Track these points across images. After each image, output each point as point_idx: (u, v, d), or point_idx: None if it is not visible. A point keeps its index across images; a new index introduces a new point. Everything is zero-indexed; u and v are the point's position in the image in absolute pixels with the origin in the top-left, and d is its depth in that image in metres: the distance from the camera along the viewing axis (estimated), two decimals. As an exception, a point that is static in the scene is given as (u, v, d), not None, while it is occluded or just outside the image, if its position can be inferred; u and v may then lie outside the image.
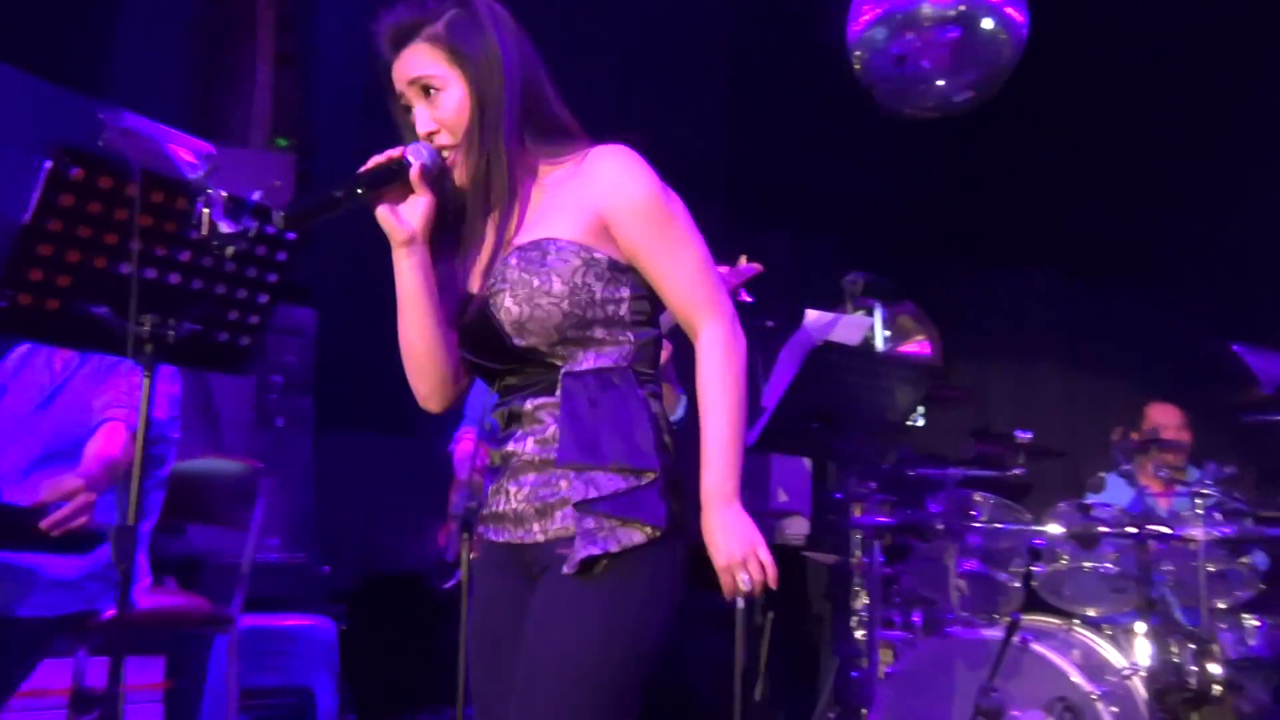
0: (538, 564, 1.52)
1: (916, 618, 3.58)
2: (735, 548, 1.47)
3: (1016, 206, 4.83)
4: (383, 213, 1.55)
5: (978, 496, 3.53)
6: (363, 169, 1.55)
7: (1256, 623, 3.34)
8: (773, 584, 1.48)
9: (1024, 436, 3.51)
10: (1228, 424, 4.01)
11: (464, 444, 3.21)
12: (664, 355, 1.97)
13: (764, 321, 3.34)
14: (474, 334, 1.56)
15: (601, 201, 1.52)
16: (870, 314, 3.57)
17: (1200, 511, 3.08)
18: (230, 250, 2.00)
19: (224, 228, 1.99)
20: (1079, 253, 4.83)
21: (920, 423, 3.74)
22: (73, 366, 2.50)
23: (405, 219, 1.55)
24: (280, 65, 4.92)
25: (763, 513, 4.27)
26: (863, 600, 3.68)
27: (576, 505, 1.46)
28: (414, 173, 1.53)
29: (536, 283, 1.49)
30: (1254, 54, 4.61)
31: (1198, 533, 2.96)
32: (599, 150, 1.56)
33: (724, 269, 2.82)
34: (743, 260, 2.79)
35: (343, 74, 4.67)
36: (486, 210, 1.58)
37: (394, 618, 3.96)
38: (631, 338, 1.55)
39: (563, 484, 1.49)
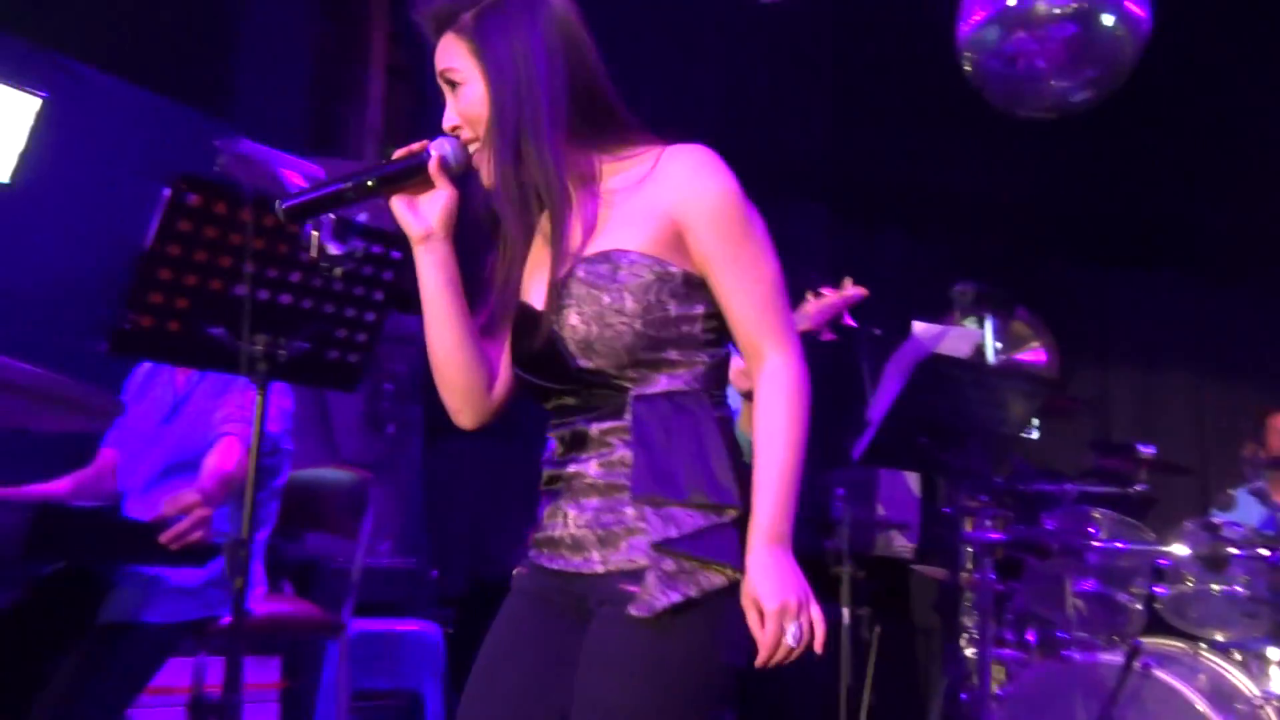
0: (593, 597, 1.41)
1: (1031, 637, 3.46)
2: (789, 594, 1.34)
3: (1139, 205, 4.63)
4: (397, 206, 1.49)
5: (1096, 513, 3.39)
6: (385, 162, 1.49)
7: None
8: (818, 649, 1.36)
9: (1147, 451, 3.36)
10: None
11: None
12: (733, 371, 1.86)
13: (871, 329, 3.26)
14: (529, 351, 1.45)
15: (675, 206, 1.41)
16: (981, 324, 3.45)
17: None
18: (339, 271, 2.07)
19: (332, 249, 2.05)
20: (1206, 253, 4.60)
21: (1035, 435, 3.61)
22: (194, 382, 2.60)
23: (423, 213, 1.49)
24: (392, 78, 5.04)
25: (869, 523, 4.19)
26: (974, 617, 3.57)
27: (656, 546, 1.36)
28: (432, 165, 1.45)
29: (607, 299, 1.38)
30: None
31: (1338, 556, 2.78)
32: (673, 150, 1.45)
33: (828, 291, 2.73)
34: (848, 283, 2.70)
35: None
36: (525, 213, 1.47)
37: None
38: (705, 358, 1.44)
39: (629, 511, 1.39)
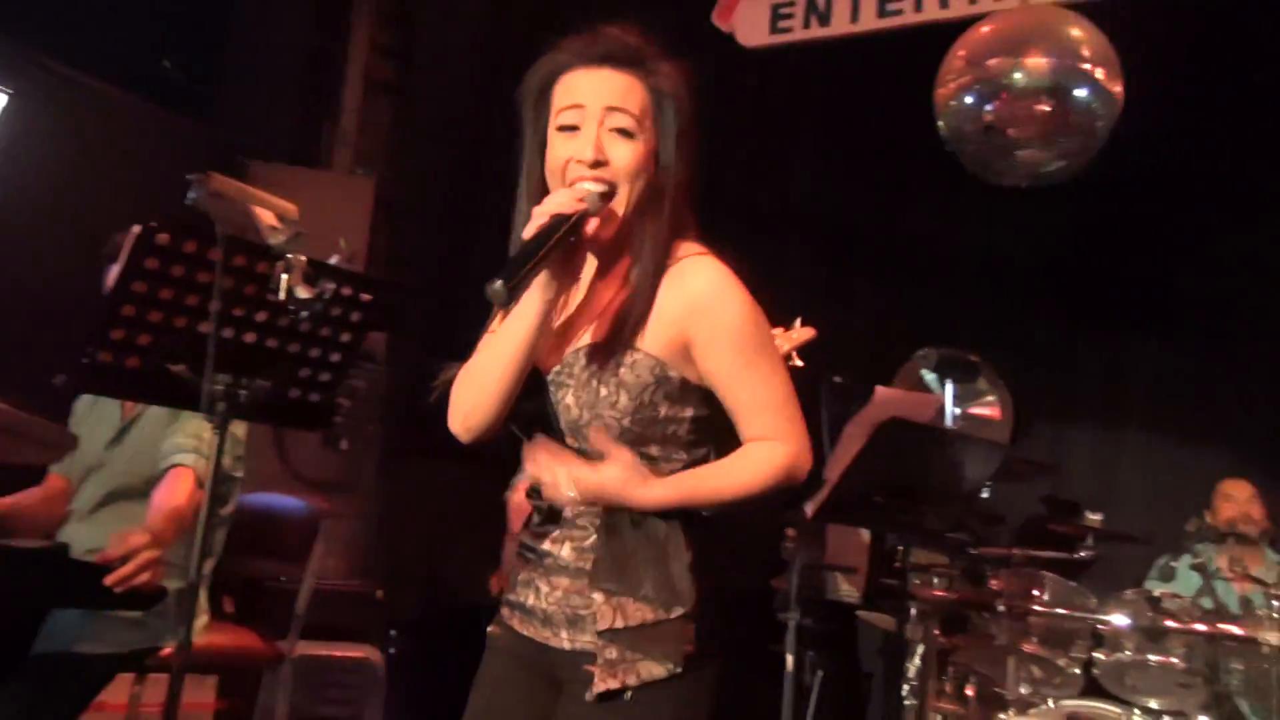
0: (561, 670, 1.48)
1: (970, 691, 3.51)
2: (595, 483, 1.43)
3: (1107, 267, 4.70)
4: (555, 263, 1.45)
5: (1043, 576, 3.44)
6: (547, 216, 1.42)
7: (1329, 731, 3.20)
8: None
9: (1094, 518, 3.41)
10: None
11: (517, 493, 3.22)
12: None
13: (833, 378, 3.28)
14: (526, 411, 1.49)
15: (688, 321, 1.44)
16: (942, 388, 3.49)
17: (1276, 615, 2.96)
18: (305, 314, 2.05)
19: (302, 293, 2.03)
20: (1172, 318, 4.68)
21: (987, 494, 3.66)
22: (141, 405, 2.55)
23: (570, 272, 1.50)
24: (371, 90, 5.01)
25: (817, 567, 4.21)
26: (916, 667, 3.61)
27: (600, 633, 1.42)
28: (590, 226, 1.44)
29: (604, 392, 1.44)
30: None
31: (1272, 637, 2.85)
32: (693, 263, 1.47)
33: (779, 330, 2.76)
34: (797, 324, 2.73)
35: (436, 105, 4.74)
36: (589, 276, 1.53)
37: (452, 647, 3.97)
38: (684, 457, 1.49)
39: (597, 597, 1.44)
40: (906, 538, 3.15)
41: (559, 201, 1.42)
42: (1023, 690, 3.47)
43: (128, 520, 2.41)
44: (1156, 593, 3.23)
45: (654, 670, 1.41)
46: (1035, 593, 3.39)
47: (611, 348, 1.44)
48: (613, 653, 1.42)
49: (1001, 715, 3.15)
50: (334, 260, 2.11)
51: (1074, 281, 4.71)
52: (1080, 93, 3.30)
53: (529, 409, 1.50)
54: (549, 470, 1.46)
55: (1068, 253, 4.68)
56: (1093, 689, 3.46)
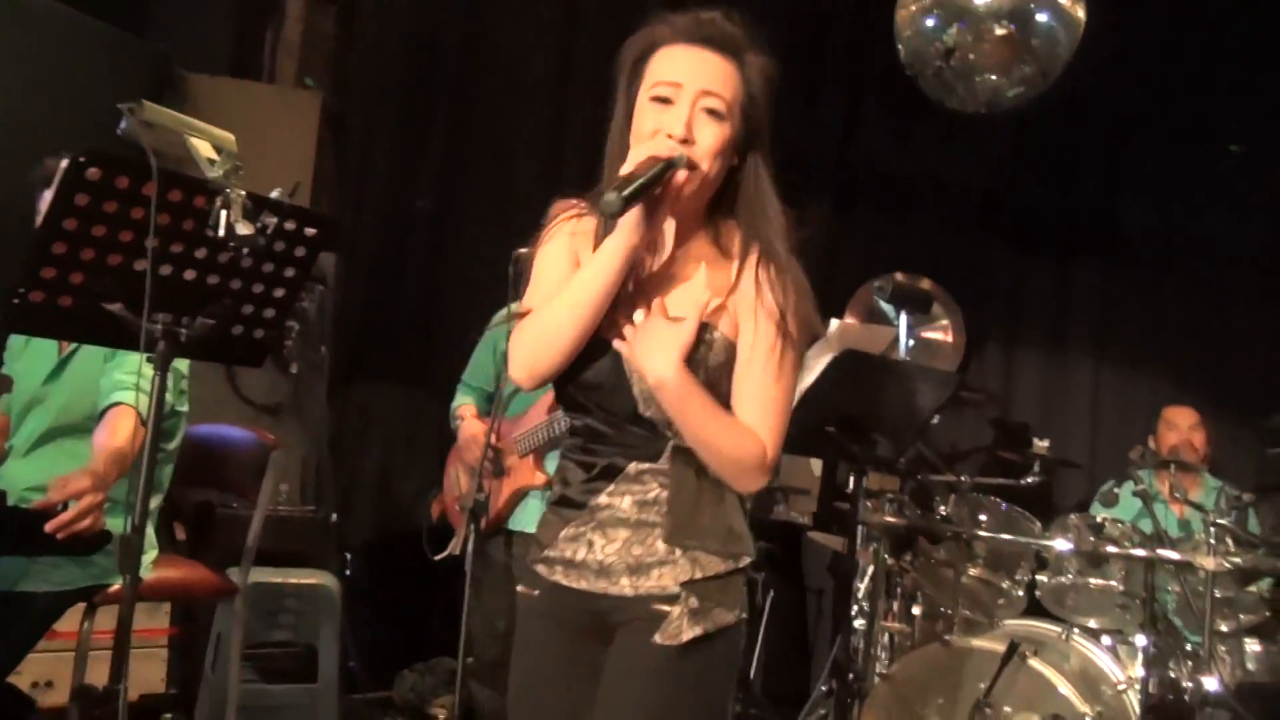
0: (618, 614, 1.56)
1: (917, 611, 3.60)
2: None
3: (1059, 196, 4.71)
4: (642, 208, 1.50)
5: (989, 501, 3.51)
6: (644, 155, 1.48)
7: (1258, 648, 3.34)
8: None
9: (1041, 445, 3.47)
10: (1252, 426, 3.97)
11: (469, 423, 3.19)
12: None
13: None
14: (591, 377, 1.56)
15: (758, 307, 1.54)
16: (896, 318, 3.50)
17: (1212, 540, 3.05)
18: (247, 251, 1.98)
19: (242, 228, 1.96)
20: (1120, 246, 4.72)
21: (936, 421, 3.70)
22: (79, 340, 2.46)
23: (655, 220, 1.54)
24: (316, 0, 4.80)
25: (768, 489, 4.26)
26: (865, 588, 3.69)
27: (684, 585, 1.52)
28: (679, 177, 1.50)
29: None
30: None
31: (1208, 562, 2.93)
32: (787, 261, 1.57)
33: None
34: None
35: (383, 13, 4.56)
36: (660, 255, 1.59)
37: (405, 571, 3.98)
38: None
39: (660, 546, 1.54)
40: (858, 466, 3.18)
41: (654, 145, 1.49)
42: (968, 612, 3.57)
43: (69, 457, 2.36)
44: (1098, 518, 3.30)
45: (725, 618, 1.54)
46: (982, 518, 3.47)
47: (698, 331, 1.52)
48: (694, 602, 1.52)
49: (947, 636, 3.23)
50: (275, 194, 2.04)
51: (1024, 210, 4.73)
52: (1042, 18, 3.25)
53: (592, 375, 1.56)
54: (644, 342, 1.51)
55: (1018, 181, 4.69)
56: (1035, 610, 3.57)
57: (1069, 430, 4.63)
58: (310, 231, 2.12)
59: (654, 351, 1.49)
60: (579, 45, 4.69)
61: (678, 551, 1.53)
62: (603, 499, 1.57)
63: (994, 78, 3.28)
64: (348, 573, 4.19)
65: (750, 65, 1.56)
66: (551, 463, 3.04)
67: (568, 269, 1.59)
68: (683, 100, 1.51)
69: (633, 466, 1.56)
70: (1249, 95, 4.40)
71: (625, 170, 1.48)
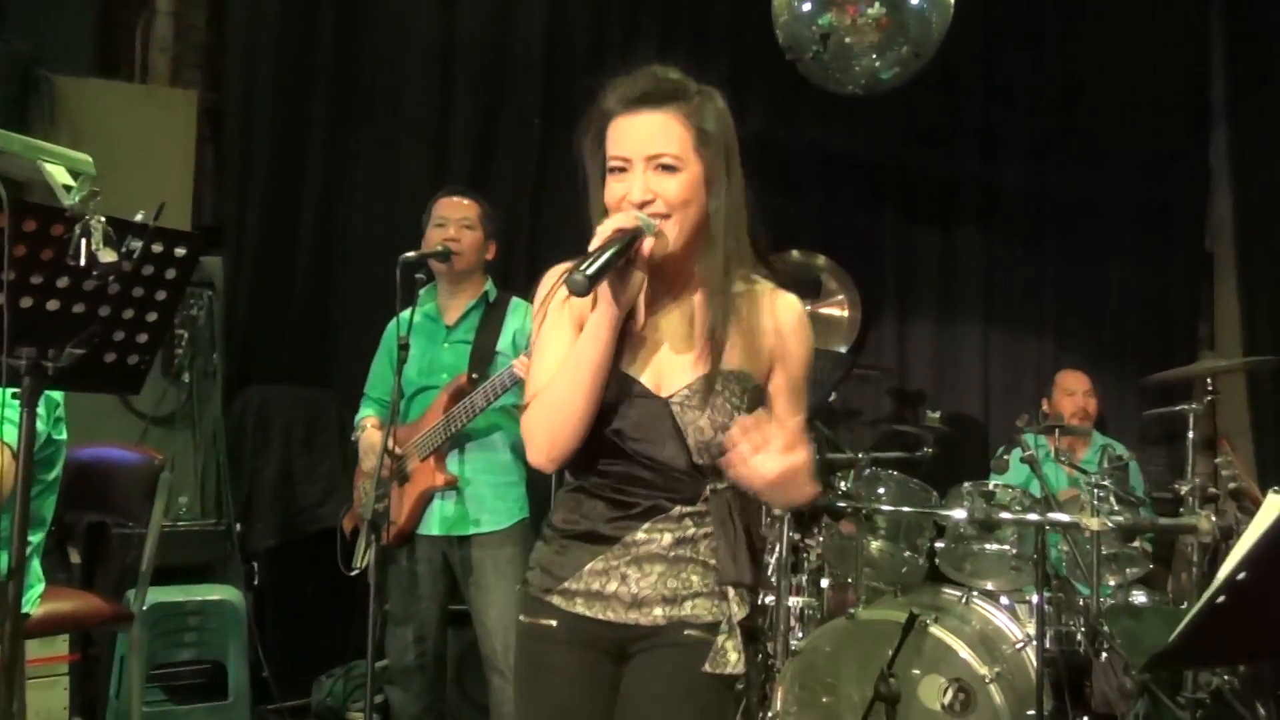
0: (643, 639, 1.65)
1: (824, 583, 3.69)
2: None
3: (943, 163, 4.81)
4: (614, 278, 1.58)
5: (887, 475, 3.61)
6: (610, 230, 1.56)
7: (1144, 600, 3.50)
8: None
9: (933, 416, 3.57)
10: (1139, 388, 4.13)
11: (369, 433, 3.15)
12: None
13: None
14: (635, 429, 1.63)
15: (778, 349, 1.67)
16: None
17: (1096, 502, 3.18)
18: (112, 278, 1.92)
19: (105, 256, 1.89)
20: (1002, 211, 4.84)
21: (834, 398, 3.78)
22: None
23: (630, 287, 1.61)
24: (185, -10, 4.63)
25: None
26: (772, 565, 3.76)
27: (741, 623, 1.64)
28: (646, 247, 1.57)
29: (738, 416, 1.59)
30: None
31: (1092, 523, 3.06)
32: (785, 298, 1.70)
33: None
34: None
35: (256, 4, 4.41)
36: (672, 303, 1.68)
37: (315, 577, 3.92)
38: None
39: (694, 580, 1.65)
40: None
41: (618, 218, 1.58)
42: (873, 582, 3.67)
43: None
44: (990, 486, 3.42)
45: (753, 652, 1.69)
46: (880, 492, 3.56)
47: (725, 371, 1.63)
48: (740, 635, 1.64)
49: (851, 610, 3.31)
50: (139, 217, 1.97)
51: (910, 180, 4.81)
52: (914, 0, 3.31)
53: (639, 429, 1.64)
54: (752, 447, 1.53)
55: (905, 152, 4.77)
56: (935, 577, 3.69)
57: (962, 396, 4.76)
58: (180, 252, 2.06)
59: (796, 458, 1.51)
60: (462, 29, 4.60)
61: (713, 584, 1.65)
62: (640, 535, 1.65)
63: (870, 60, 3.32)
64: (255, 582, 4.12)
65: (694, 104, 1.63)
66: (453, 462, 3.02)
67: (569, 342, 1.67)
68: (635, 169, 1.61)
69: (677, 510, 1.65)
70: (1110, 57, 4.54)
71: (592, 245, 1.55)
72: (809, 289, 3.53)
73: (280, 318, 4.49)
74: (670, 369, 1.66)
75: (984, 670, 3.09)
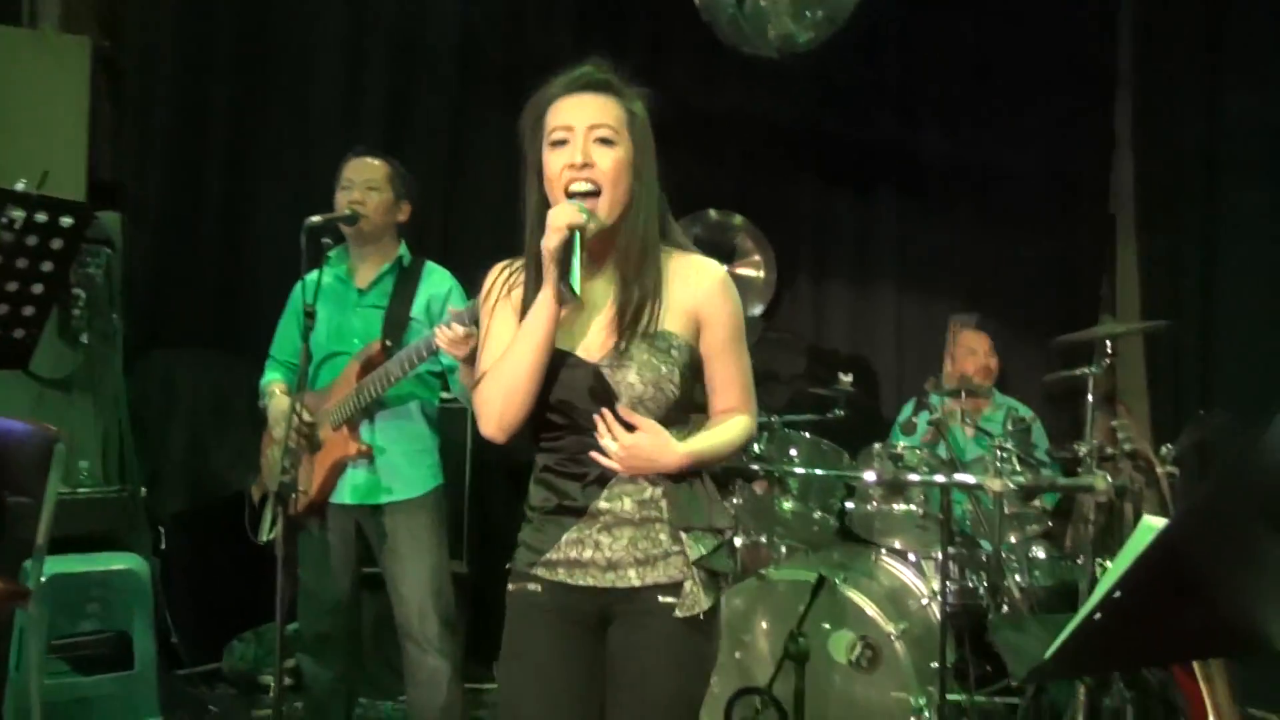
0: (621, 605, 1.79)
1: (739, 542, 3.75)
2: (647, 454, 1.75)
3: (859, 127, 4.83)
4: (559, 260, 1.72)
5: (800, 436, 3.66)
6: (564, 228, 1.70)
7: (1043, 555, 3.63)
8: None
9: (845, 379, 3.63)
10: (1044, 349, 4.23)
11: (278, 399, 3.08)
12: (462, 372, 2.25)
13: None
14: (572, 397, 1.77)
15: (703, 309, 1.82)
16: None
17: (999, 464, 3.28)
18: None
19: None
20: (916, 175, 4.89)
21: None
22: None
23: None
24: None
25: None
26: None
27: (696, 562, 1.77)
28: (589, 233, 1.72)
29: (664, 370, 1.76)
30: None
31: (995, 484, 3.14)
32: (702, 262, 1.87)
33: None
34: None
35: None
36: (598, 273, 1.81)
37: (224, 541, 3.85)
38: (685, 427, 1.83)
39: (664, 538, 1.78)
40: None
41: (567, 214, 1.71)
42: (786, 542, 3.75)
43: None
44: (898, 447, 3.50)
45: (723, 586, 1.84)
46: (792, 453, 3.61)
47: (650, 332, 1.77)
48: (703, 575, 1.78)
49: (763, 570, 3.38)
50: (21, 186, 1.89)
51: (827, 144, 4.83)
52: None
53: (572, 394, 1.77)
54: (615, 439, 1.73)
55: (822, 115, 4.78)
56: (846, 536, 3.78)
57: (875, 358, 4.84)
58: (66, 221, 1.98)
59: (653, 460, 1.74)
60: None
61: (681, 541, 1.77)
62: (602, 503, 1.78)
63: (785, 23, 3.31)
64: (163, 547, 4.04)
65: (627, 96, 1.83)
66: (366, 430, 2.97)
67: (513, 328, 1.82)
68: (576, 136, 1.77)
69: (623, 471, 1.76)
70: (1022, 24, 4.59)
71: (552, 243, 1.70)
72: (723, 252, 3.53)
73: (187, 279, 4.36)
74: (597, 335, 1.80)
75: (890, 627, 3.18)
